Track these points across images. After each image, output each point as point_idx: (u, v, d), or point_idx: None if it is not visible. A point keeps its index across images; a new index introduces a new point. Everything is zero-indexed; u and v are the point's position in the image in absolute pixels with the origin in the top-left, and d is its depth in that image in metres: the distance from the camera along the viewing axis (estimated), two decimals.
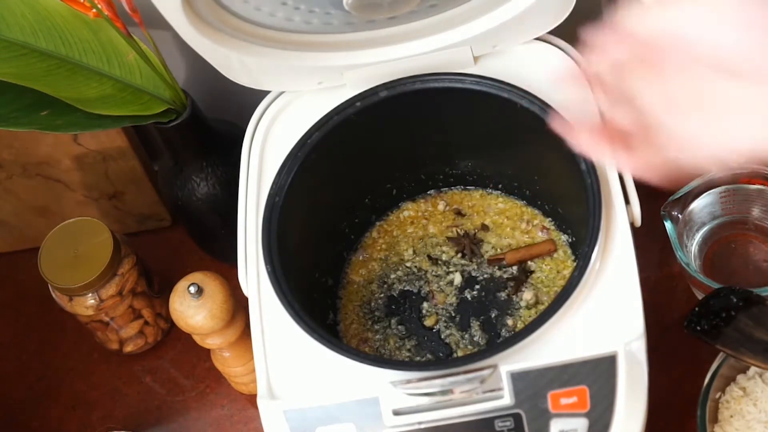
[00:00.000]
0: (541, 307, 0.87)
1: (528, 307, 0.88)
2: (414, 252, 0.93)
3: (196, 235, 1.07)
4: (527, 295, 0.88)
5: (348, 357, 0.73)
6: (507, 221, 0.93)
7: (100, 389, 1.03)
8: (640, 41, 0.44)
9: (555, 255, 0.90)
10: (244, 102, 0.94)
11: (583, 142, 0.51)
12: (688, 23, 0.42)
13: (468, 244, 0.92)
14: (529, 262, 0.90)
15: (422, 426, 0.72)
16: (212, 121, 0.97)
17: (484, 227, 0.93)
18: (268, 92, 0.89)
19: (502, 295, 0.89)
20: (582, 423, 0.71)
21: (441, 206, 0.95)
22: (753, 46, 0.41)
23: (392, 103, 0.86)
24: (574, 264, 0.82)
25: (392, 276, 0.92)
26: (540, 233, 0.91)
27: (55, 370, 1.05)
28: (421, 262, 0.92)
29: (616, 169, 0.68)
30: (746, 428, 0.83)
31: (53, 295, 0.97)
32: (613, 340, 0.73)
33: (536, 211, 0.92)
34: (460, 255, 0.92)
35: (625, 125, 0.47)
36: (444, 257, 0.92)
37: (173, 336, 1.05)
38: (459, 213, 0.94)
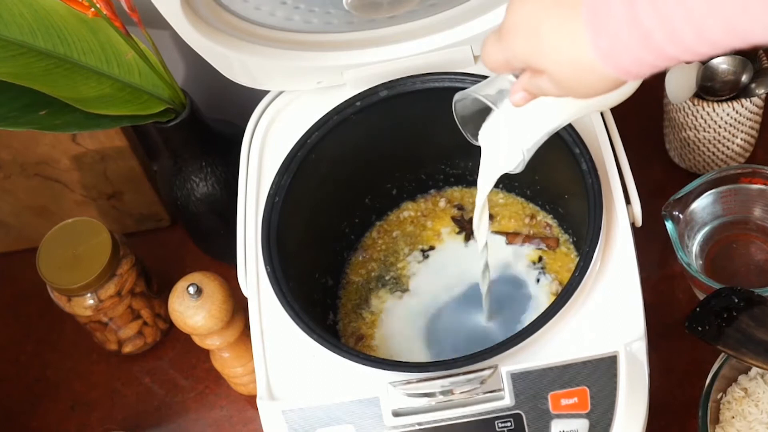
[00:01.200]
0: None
1: None
2: (410, 251, 0.93)
3: (195, 235, 1.07)
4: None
5: (347, 358, 0.73)
6: (511, 215, 0.93)
7: (98, 390, 1.03)
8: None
9: (558, 249, 0.89)
10: (243, 102, 0.94)
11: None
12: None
13: (470, 229, 0.91)
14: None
15: (422, 427, 0.72)
16: (211, 120, 0.97)
17: (490, 216, 0.92)
18: (267, 92, 0.89)
19: None
20: (583, 424, 0.71)
21: (442, 203, 0.95)
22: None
23: (392, 103, 0.85)
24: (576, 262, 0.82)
25: (386, 277, 0.92)
26: (544, 230, 0.91)
27: (54, 370, 1.05)
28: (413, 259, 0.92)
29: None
30: (748, 429, 0.83)
31: (52, 296, 0.97)
32: (613, 340, 0.72)
33: (538, 208, 0.92)
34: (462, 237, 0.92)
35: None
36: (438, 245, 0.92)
37: (172, 336, 1.04)
38: (460, 208, 0.94)
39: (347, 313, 0.90)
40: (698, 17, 0.50)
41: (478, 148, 0.89)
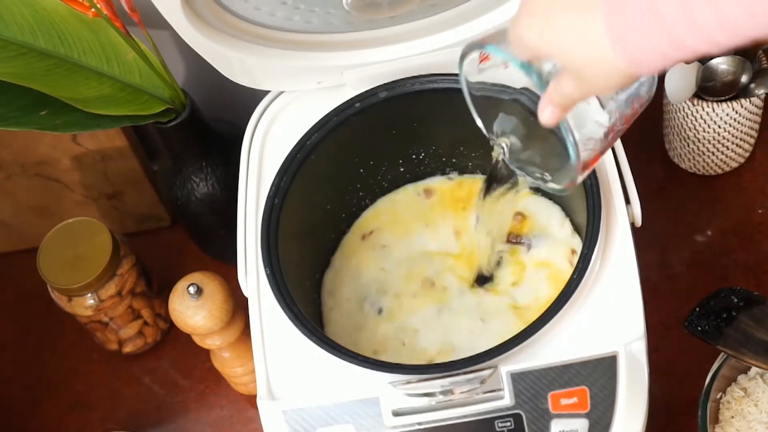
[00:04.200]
0: None
1: None
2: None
3: (195, 235, 1.07)
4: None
5: (347, 360, 0.73)
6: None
7: (99, 390, 1.03)
8: None
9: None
10: (243, 102, 0.94)
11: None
12: None
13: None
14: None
15: (422, 426, 0.72)
16: (212, 120, 0.97)
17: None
18: (267, 92, 0.89)
19: None
20: (582, 424, 0.71)
21: None
22: None
23: (392, 104, 0.85)
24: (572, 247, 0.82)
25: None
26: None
27: (54, 370, 1.05)
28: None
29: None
30: (747, 429, 0.83)
31: (52, 296, 0.97)
32: (613, 340, 0.72)
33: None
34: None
35: None
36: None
37: (173, 336, 1.04)
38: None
39: None
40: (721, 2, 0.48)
41: (478, 149, 0.89)
